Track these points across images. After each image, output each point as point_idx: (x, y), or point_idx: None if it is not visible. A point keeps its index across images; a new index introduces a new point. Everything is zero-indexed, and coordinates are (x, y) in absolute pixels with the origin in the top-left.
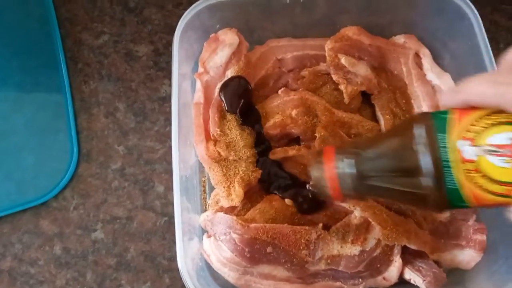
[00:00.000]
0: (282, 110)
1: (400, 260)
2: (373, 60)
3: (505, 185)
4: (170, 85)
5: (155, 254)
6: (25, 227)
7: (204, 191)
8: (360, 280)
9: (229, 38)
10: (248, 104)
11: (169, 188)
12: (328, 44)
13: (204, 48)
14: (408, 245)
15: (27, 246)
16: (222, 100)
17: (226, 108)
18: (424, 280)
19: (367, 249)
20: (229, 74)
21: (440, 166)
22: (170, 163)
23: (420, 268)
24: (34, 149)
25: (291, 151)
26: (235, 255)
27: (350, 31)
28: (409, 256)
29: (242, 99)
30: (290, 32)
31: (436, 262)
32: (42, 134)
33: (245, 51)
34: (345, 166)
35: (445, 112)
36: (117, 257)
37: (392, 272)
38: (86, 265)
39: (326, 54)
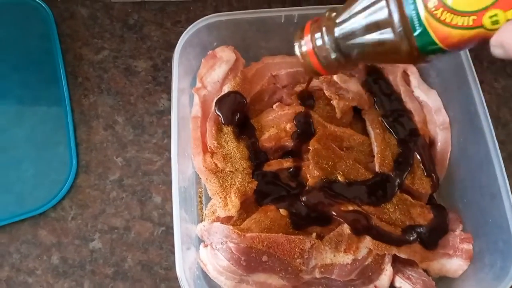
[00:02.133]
0: (277, 124)
1: (391, 269)
2: (363, 77)
3: (469, 15)
4: (168, 99)
5: (152, 264)
6: (23, 237)
7: (201, 202)
8: None
9: (226, 55)
10: (244, 118)
11: (167, 199)
12: None
13: (202, 64)
14: (398, 254)
15: (25, 256)
16: (219, 114)
17: (223, 122)
18: None
19: (359, 258)
20: (226, 89)
21: (403, 11)
22: (167, 174)
23: (410, 276)
24: (34, 161)
25: (286, 163)
26: (231, 264)
27: None
28: (399, 265)
29: (238, 113)
30: (284, 49)
31: (425, 271)
32: (42, 146)
33: (241, 67)
34: (318, 36)
35: None
36: (115, 266)
37: (383, 280)
38: (83, 275)
39: None
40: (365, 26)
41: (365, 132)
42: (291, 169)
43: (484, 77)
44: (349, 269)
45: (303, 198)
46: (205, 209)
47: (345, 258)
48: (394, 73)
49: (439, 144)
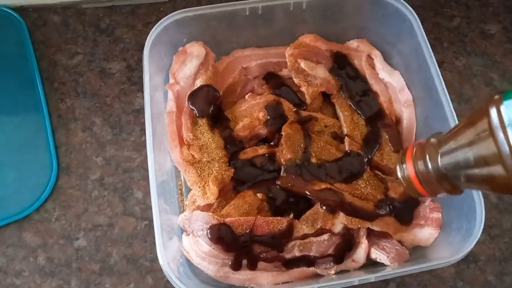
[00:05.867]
0: (250, 113)
1: (366, 242)
2: (330, 64)
3: None
4: (143, 98)
5: (137, 257)
6: (9, 240)
7: (181, 194)
8: (331, 264)
9: (196, 50)
10: (218, 110)
11: (147, 194)
12: (288, 51)
13: (173, 61)
14: (371, 227)
15: (12, 258)
16: (192, 108)
17: (197, 114)
18: (388, 257)
19: (335, 233)
20: (198, 83)
21: None
22: (147, 170)
23: (385, 247)
24: (15, 166)
25: (261, 150)
26: (213, 248)
27: (307, 38)
28: (374, 238)
29: (211, 105)
30: (254, 43)
31: (400, 242)
32: (22, 151)
33: (212, 62)
34: (421, 163)
35: None
36: (100, 262)
37: (360, 253)
38: (70, 273)
39: (287, 60)
40: (471, 161)
41: (335, 116)
42: (266, 155)
43: (445, 57)
44: (326, 244)
45: (278, 182)
46: (186, 201)
47: (322, 235)
48: (359, 57)
49: (404, 121)
